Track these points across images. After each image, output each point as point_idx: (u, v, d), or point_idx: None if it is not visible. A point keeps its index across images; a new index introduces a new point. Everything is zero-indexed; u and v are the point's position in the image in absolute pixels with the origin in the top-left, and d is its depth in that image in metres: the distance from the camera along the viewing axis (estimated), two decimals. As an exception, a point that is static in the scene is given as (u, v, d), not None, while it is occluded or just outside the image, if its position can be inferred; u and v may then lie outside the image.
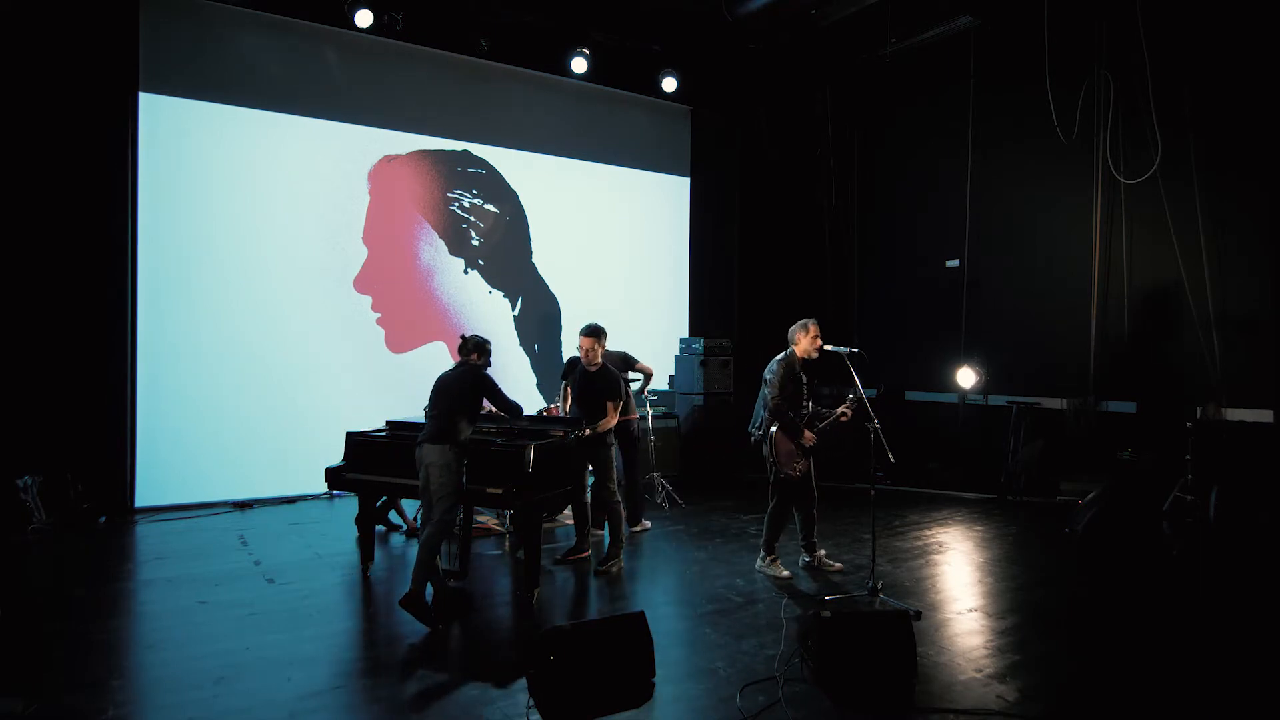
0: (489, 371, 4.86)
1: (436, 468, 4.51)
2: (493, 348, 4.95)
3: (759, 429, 5.32)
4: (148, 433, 7.00)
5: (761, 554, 5.39)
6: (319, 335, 7.83)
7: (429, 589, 4.46)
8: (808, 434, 5.14)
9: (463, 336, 4.93)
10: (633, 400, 6.49)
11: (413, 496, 5.11)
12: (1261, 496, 6.22)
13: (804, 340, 5.24)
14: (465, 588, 4.88)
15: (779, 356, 5.28)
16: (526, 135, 9.09)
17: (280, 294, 7.66)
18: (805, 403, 5.26)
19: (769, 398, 5.19)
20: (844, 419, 5.16)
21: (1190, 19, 6.95)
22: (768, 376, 5.23)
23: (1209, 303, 6.86)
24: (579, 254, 9.49)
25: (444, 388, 4.74)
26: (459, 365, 4.85)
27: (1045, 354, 8.08)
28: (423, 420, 4.83)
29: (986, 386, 8.38)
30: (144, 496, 6.99)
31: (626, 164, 9.86)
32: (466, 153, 8.78)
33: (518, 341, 9.06)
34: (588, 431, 5.33)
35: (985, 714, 3.39)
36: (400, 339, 8.25)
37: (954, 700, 3.51)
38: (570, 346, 9.39)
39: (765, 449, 5.26)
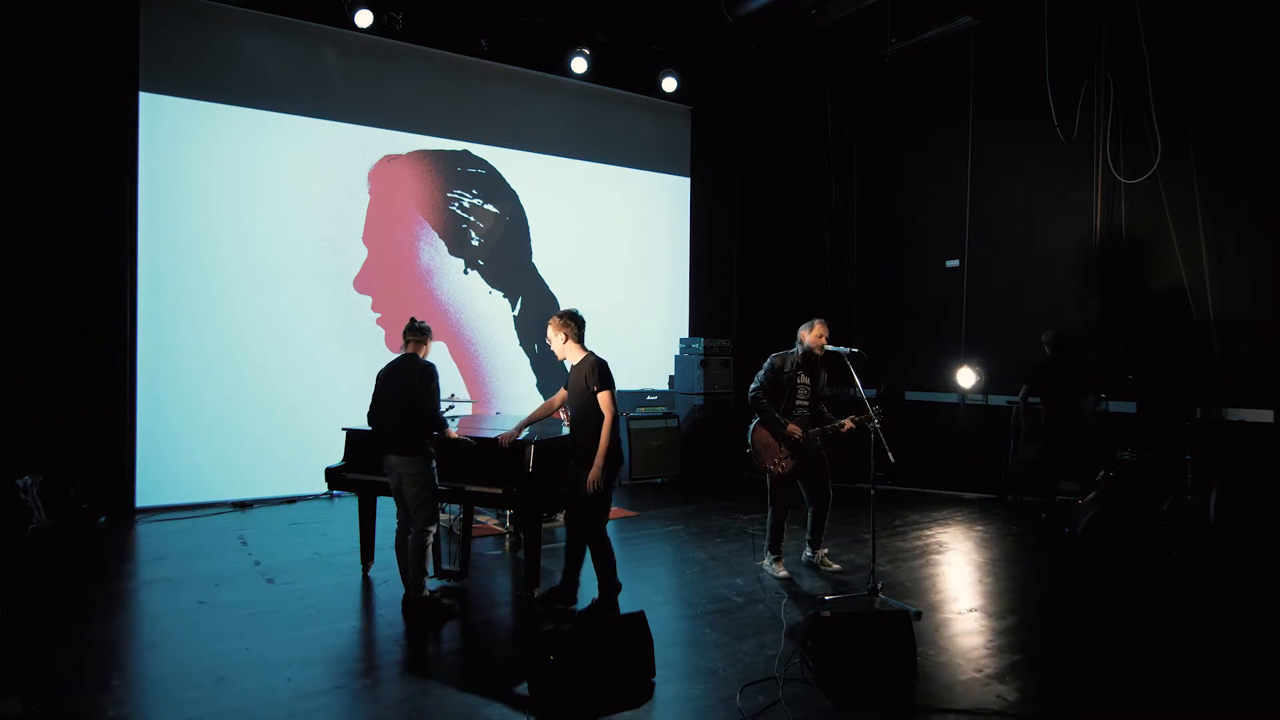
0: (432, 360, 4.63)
1: (409, 478, 4.45)
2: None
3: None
4: (148, 433, 7.01)
5: (767, 554, 5.39)
6: (319, 335, 7.83)
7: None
8: (790, 427, 5.10)
9: (411, 320, 4.72)
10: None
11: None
12: (1261, 496, 6.22)
13: (807, 338, 5.24)
14: (452, 604, 4.72)
15: (775, 354, 5.33)
16: (526, 135, 9.09)
17: (280, 294, 7.66)
18: (803, 403, 5.25)
19: (750, 389, 5.25)
20: (843, 429, 5.14)
21: (1190, 19, 6.94)
22: (758, 373, 5.30)
23: (1209, 303, 6.86)
24: (579, 254, 9.49)
25: (397, 390, 4.50)
26: (405, 358, 4.62)
27: (1045, 354, 8.06)
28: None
29: (986, 386, 8.38)
30: (144, 496, 6.99)
31: (626, 164, 9.86)
32: (466, 153, 8.78)
33: (518, 341, 9.06)
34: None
35: (985, 714, 3.39)
36: (400, 339, 8.24)
37: (954, 700, 3.51)
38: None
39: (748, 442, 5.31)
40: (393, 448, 4.49)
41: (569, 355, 4.57)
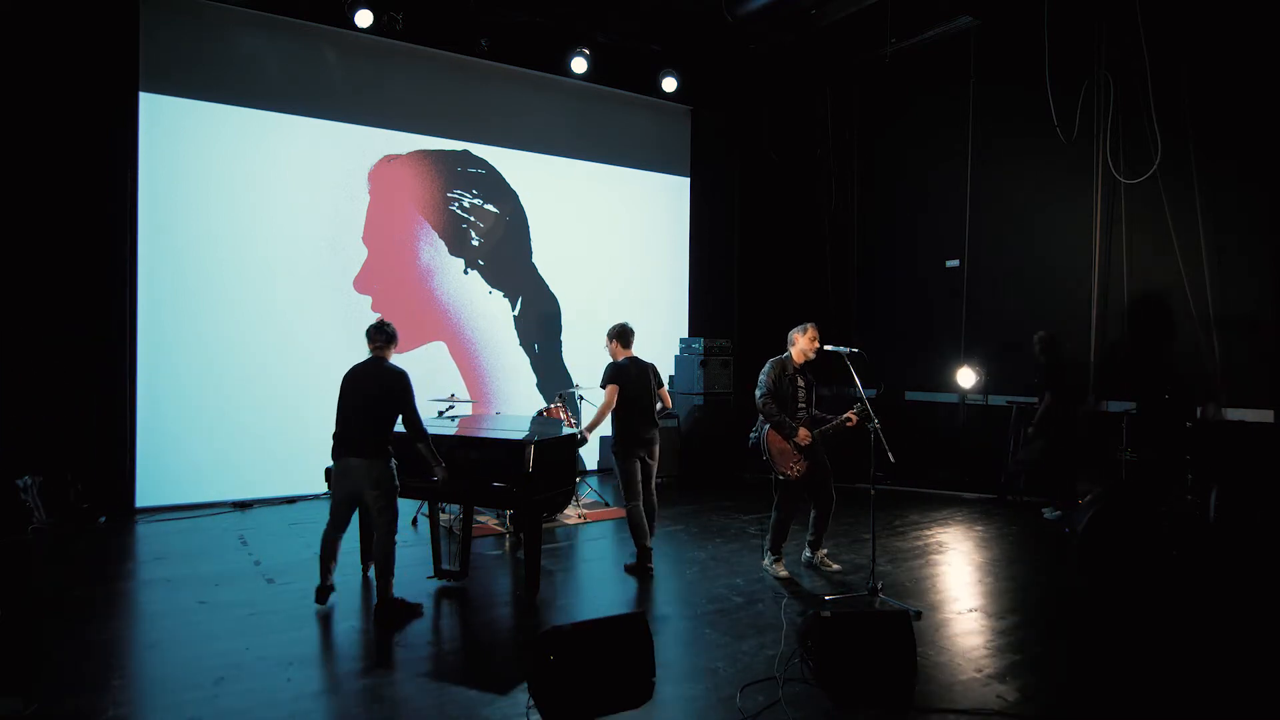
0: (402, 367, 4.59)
1: (371, 482, 4.40)
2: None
3: (756, 432, 5.35)
4: (148, 433, 7.00)
5: (768, 554, 5.40)
6: (319, 335, 7.83)
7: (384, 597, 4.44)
8: (802, 432, 5.13)
9: (380, 323, 4.67)
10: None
11: (413, 496, 5.09)
12: (1261, 496, 6.21)
13: (800, 341, 5.28)
14: (418, 604, 4.66)
15: (773, 358, 5.33)
16: (526, 135, 9.09)
17: (280, 294, 7.66)
18: (803, 405, 5.27)
19: (757, 397, 5.27)
20: (849, 424, 5.14)
21: (1190, 19, 6.94)
22: (760, 378, 5.30)
23: (1209, 303, 6.85)
24: (579, 254, 9.49)
25: (364, 392, 4.49)
26: (373, 361, 4.60)
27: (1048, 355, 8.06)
28: None
29: (986, 386, 8.38)
30: (144, 496, 6.99)
31: (626, 164, 9.86)
32: (466, 153, 8.78)
33: (518, 342, 9.05)
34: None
35: (985, 714, 3.39)
36: (400, 339, 8.20)
37: (954, 700, 3.51)
38: (570, 346, 9.40)
39: (760, 448, 5.30)
40: (356, 451, 4.43)
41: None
